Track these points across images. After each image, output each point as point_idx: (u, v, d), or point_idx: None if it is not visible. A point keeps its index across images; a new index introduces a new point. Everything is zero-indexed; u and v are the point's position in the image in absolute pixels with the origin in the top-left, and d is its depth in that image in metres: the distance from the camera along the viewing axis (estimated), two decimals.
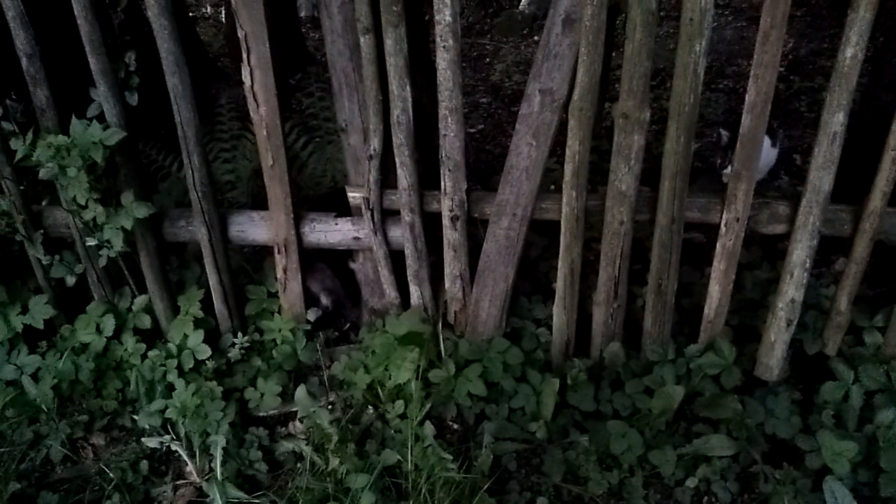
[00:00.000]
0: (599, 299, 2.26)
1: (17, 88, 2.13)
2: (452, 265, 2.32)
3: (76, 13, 1.99)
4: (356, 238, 2.36)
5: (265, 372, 2.45)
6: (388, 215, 2.29)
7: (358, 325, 2.62)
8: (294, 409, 2.35)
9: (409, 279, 2.38)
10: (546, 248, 2.63)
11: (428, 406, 2.23)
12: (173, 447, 2.22)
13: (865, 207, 1.99)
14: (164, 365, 2.38)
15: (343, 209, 2.35)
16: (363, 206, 2.26)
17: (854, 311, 2.17)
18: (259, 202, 2.47)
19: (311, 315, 2.51)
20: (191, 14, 5.81)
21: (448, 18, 1.89)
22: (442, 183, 2.16)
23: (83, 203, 2.16)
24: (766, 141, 2.19)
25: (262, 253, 2.66)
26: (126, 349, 2.43)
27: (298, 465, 2.20)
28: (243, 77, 2.11)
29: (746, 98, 1.89)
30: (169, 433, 2.27)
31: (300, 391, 2.33)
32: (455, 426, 2.30)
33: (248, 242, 2.47)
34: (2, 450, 2.28)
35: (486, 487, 2.02)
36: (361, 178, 2.23)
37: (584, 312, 2.33)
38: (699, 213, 2.11)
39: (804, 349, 2.25)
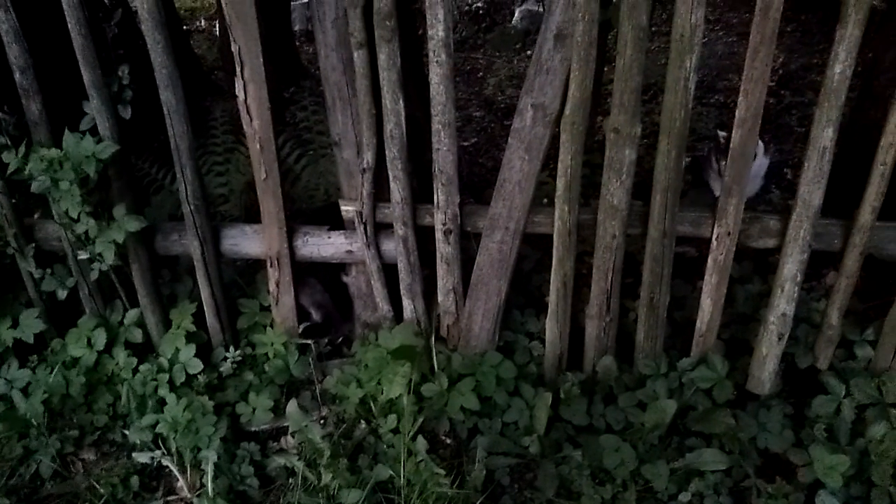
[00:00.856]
0: (592, 313, 2.26)
1: (10, 101, 2.13)
2: (445, 279, 2.32)
3: (70, 27, 1.99)
4: (349, 251, 2.36)
5: (257, 386, 2.44)
6: (381, 229, 2.29)
7: (351, 338, 2.62)
8: (286, 424, 2.34)
9: (402, 293, 2.38)
10: (539, 262, 2.63)
11: (420, 420, 2.22)
12: (164, 462, 2.21)
13: (855, 221, 2.00)
14: (155, 379, 2.37)
15: (336, 222, 2.36)
16: (356, 220, 2.26)
17: (845, 324, 2.18)
18: (252, 215, 2.47)
19: (303, 330, 2.50)
20: (185, 27, 5.82)
21: (441, 34, 1.91)
22: (435, 197, 2.17)
23: (75, 216, 2.15)
24: (760, 146, 2.21)
25: (254, 266, 2.66)
26: (117, 363, 2.42)
27: (290, 480, 2.19)
28: (237, 91, 2.11)
29: (736, 113, 1.91)
30: (160, 448, 2.25)
31: (292, 406, 2.32)
32: (448, 441, 2.30)
33: (240, 256, 2.46)
34: None
35: (478, 503, 2.01)
36: (354, 191, 2.23)
37: (577, 326, 2.33)
38: (690, 227, 2.12)
39: (796, 363, 2.26)
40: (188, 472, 2.19)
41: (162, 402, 2.34)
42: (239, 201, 3.05)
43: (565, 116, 1.95)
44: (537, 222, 2.21)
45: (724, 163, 1.99)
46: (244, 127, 2.18)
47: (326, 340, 2.57)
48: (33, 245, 2.35)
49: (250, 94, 2.10)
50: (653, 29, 1.85)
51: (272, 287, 2.44)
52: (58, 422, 2.38)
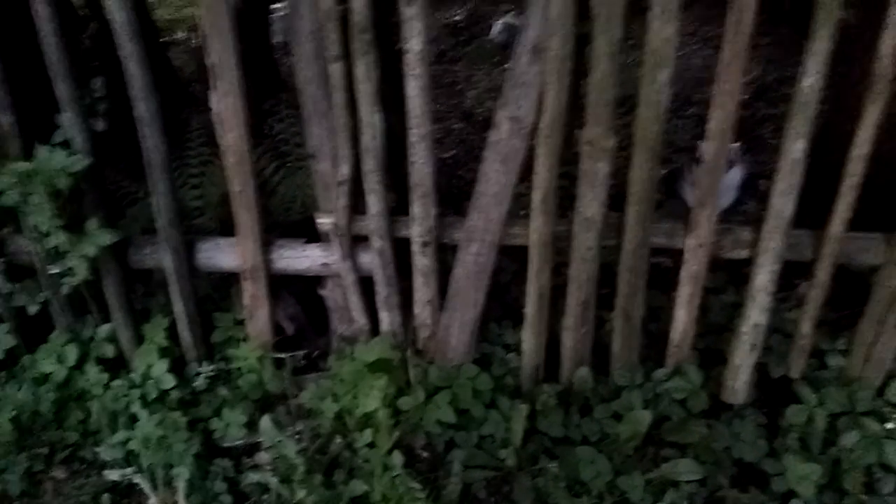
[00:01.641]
0: (568, 324, 2.27)
1: None
2: (422, 291, 2.32)
3: (42, 38, 1.97)
4: (325, 264, 2.35)
5: (231, 401, 2.41)
6: (357, 241, 2.29)
7: (327, 352, 2.60)
8: (260, 440, 2.31)
9: (378, 305, 2.37)
10: (515, 274, 2.63)
11: (397, 434, 2.20)
12: (136, 480, 2.17)
13: (827, 233, 2.02)
14: (127, 395, 2.34)
15: (312, 235, 2.34)
16: (333, 232, 2.25)
17: (817, 334, 2.21)
18: (227, 228, 2.45)
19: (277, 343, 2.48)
20: (163, 39, 5.79)
21: (417, 47, 1.91)
22: (412, 209, 2.17)
23: (46, 231, 2.12)
24: (735, 158, 2.22)
25: (229, 280, 2.63)
26: (88, 379, 2.37)
27: (264, 496, 2.16)
28: (212, 103, 2.10)
29: (709, 126, 1.93)
30: (131, 465, 2.21)
31: (265, 421, 2.29)
32: (424, 454, 2.28)
33: (215, 269, 2.44)
34: None
35: None
36: (331, 203, 2.23)
37: (554, 337, 2.33)
38: (665, 238, 2.14)
39: (769, 373, 2.27)
40: (160, 489, 2.15)
41: (134, 419, 2.30)
42: (214, 214, 3.02)
43: (541, 129, 1.97)
44: (514, 234, 2.21)
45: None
46: (219, 139, 2.16)
47: (302, 354, 2.55)
48: (3, 259, 2.31)
49: (226, 106, 2.09)
50: (630, 41, 1.87)
51: (247, 301, 2.42)
52: (27, 439, 2.34)
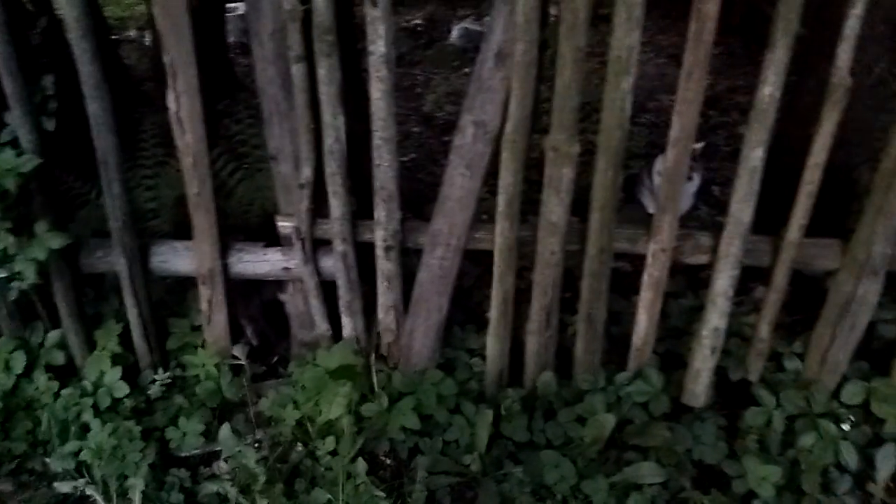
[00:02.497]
0: (532, 328, 2.27)
1: None
2: (386, 296, 2.30)
3: None
4: (286, 268, 2.31)
5: (187, 410, 2.34)
6: (319, 245, 2.25)
7: (287, 358, 2.55)
8: (218, 449, 2.26)
9: (341, 310, 2.33)
10: (479, 278, 2.63)
11: (360, 442, 2.17)
12: (88, 492, 2.10)
13: (784, 239, 2.07)
14: (78, 404, 2.26)
15: (272, 238, 2.30)
16: (294, 236, 2.21)
17: (774, 338, 2.25)
18: (183, 231, 2.39)
19: (239, 350, 2.42)
20: (114, 37, 5.63)
21: (382, 49, 1.89)
22: (375, 213, 2.14)
23: None
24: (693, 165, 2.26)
25: (185, 284, 2.57)
26: (37, 387, 2.29)
27: None
28: (169, 103, 2.04)
29: (670, 133, 1.96)
30: (83, 476, 2.14)
31: (224, 430, 2.24)
32: (388, 461, 2.26)
33: (170, 273, 2.38)
34: None
35: None
36: (292, 206, 2.19)
37: (517, 342, 2.33)
38: (627, 243, 2.16)
39: (728, 375, 2.31)
40: (114, 501, 2.08)
41: (85, 428, 2.22)
42: (169, 217, 2.94)
43: (506, 134, 1.96)
44: (478, 238, 2.21)
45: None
46: (176, 140, 2.11)
47: (261, 361, 2.50)
48: None
49: (183, 106, 2.04)
50: (588, 49, 1.89)
51: (204, 306, 2.36)
52: None
